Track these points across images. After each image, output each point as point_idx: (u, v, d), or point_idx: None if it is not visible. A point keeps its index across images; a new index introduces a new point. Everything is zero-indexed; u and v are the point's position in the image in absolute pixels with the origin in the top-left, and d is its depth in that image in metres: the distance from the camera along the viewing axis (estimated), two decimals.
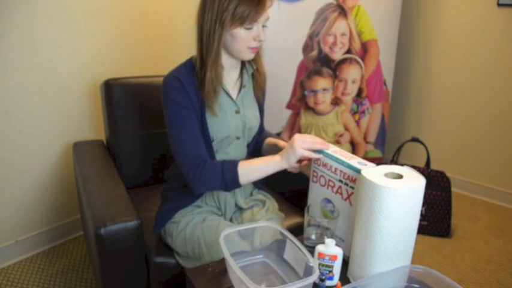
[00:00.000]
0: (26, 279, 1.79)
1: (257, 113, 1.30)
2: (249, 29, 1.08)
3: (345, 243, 1.08)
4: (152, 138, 1.71)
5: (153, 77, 1.74)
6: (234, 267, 0.88)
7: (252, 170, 1.12)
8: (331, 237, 1.04)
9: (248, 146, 1.32)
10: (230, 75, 1.23)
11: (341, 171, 1.06)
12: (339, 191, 1.09)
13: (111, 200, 1.28)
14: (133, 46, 2.12)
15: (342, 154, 1.09)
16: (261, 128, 1.41)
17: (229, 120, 1.20)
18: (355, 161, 1.05)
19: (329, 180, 1.11)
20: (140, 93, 1.68)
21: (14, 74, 1.73)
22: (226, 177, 1.11)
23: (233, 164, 1.12)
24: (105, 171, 1.49)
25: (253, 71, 1.25)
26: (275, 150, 1.26)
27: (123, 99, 1.65)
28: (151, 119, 1.69)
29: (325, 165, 1.11)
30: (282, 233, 1.03)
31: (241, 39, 1.10)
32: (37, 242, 1.97)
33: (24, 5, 1.69)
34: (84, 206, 1.37)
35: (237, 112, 1.22)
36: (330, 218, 1.12)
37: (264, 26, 1.12)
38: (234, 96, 1.22)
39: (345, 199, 1.07)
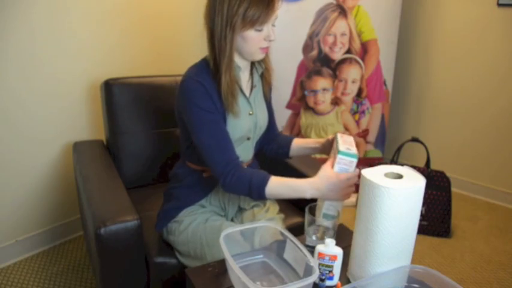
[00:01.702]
0: (26, 279, 1.79)
1: (266, 113, 1.31)
2: (259, 30, 1.09)
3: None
4: (152, 138, 1.71)
5: (153, 77, 1.74)
6: (234, 267, 0.88)
7: (280, 193, 1.11)
8: (332, 237, 1.05)
9: (256, 144, 1.33)
10: (244, 76, 1.23)
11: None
12: None
13: (111, 200, 1.28)
14: (133, 46, 2.12)
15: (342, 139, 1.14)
16: (274, 128, 1.41)
17: (244, 122, 1.21)
18: (344, 146, 1.09)
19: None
20: (140, 93, 1.68)
21: (14, 75, 1.73)
22: (253, 192, 1.10)
23: (262, 180, 1.10)
24: (105, 171, 1.49)
25: (263, 70, 1.26)
26: (307, 150, 1.30)
27: (123, 99, 1.65)
28: (152, 119, 1.69)
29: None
30: (282, 233, 1.04)
31: (252, 40, 1.11)
32: (37, 242, 1.97)
33: (25, 6, 1.69)
34: (84, 206, 1.37)
35: (251, 114, 1.23)
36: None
37: (273, 26, 1.13)
38: (247, 95, 1.24)
39: None
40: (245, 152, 1.28)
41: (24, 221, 1.91)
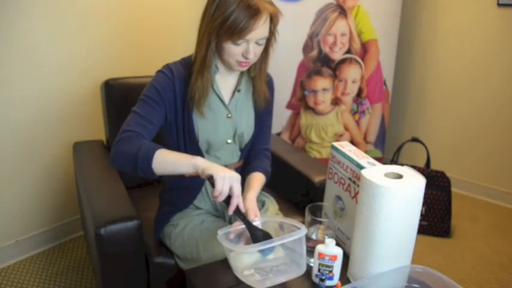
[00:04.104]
0: (26, 279, 1.79)
1: (251, 121, 1.27)
2: (237, 44, 1.07)
3: (350, 241, 1.09)
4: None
5: None
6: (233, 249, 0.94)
7: (166, 161, 1.03)
8: (332, 237, 1.05)
9: (242, 151, 1.29)
10: (226, 79, 1.21)
11: (351, 169, 1.07)
12: (348, 188, 1.10)
13: (111, 200, 1.28)
14: (133, 46, 2.12)
15: (355, 153, 1.11)
16: (260, 142, 1.32)
17: (218, 124, 1.19)
18: (365, 160, 1.06)
19: (341, 177, 1.13)
20: (140, 94, 1.68)
21: (14, 75, 1.73)
22: (140, 155, 1.02)
23: (154, 147, 1.04)
24: (105, 171, 1.49)
25: (252, 77, 1.22)
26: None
27: (123, 99, 1.65)
28: None
29: (338, 162, 1.13)
30: (280, 226, 1.04)
31: (229, 52, 1.09)
32: (37, 242, 1.97)
33: (25, 7, 1.70)
34: (84, 206, 1.37)
35: (229, 117, 1.21)
36: (339, 215, 1.13)
37: (259, 44, 1.10)
38: (226, 100, 1.21)
39: (352, 197, 1.08)
40: (228, 157, 1.26)
41: (24, 221, 1.91)
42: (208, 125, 1.19)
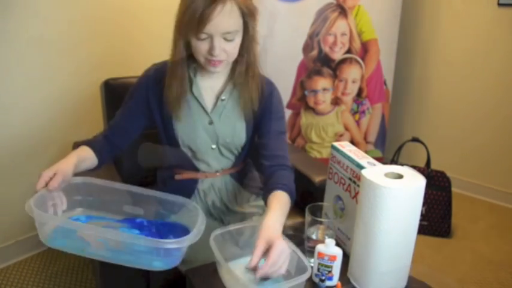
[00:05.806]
0: (26, 279, 1.79)
1: (240, 130, 1.18)
2: (201, 39, 1.01)
3: (351, 241, 1.09)
4: (152, 138, 1.70)
5: None
6: (223, 265, 0.90)
7: None
8: (332, 237, 1.05)
9: (236, 157, 1.24)
10: (207, 83, 1.16)
11: (351, 169, 1.07)
12: (348, 188, 1.10)
13: None
14: (134, 46, 2.12)
15: (355, 153, 1.10)
16: (267, 148, 1.18)
17: (197, 130, 1.15)
18: (365, 160, 1.06)
19: (341, 177, 1.13)
20: None
21: (14, 75, 1.73)
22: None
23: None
24: (105, 171, 1.48)
25: (242, 81, 1.14)
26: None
27: (123, 99, 1.64)
28: None
29: (338, 162, 1.13)
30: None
31: (195, 49, 1.04)
32: (37, 242, 1.95)
33: (25, 7, 1.69)
34: None
35: (210, 123, 1.16)
36: (339, 215, 1.13)
37: (227, 40, 1.02)
38: (209, 106, 1.16)
39: (353, 197, 1.08)
40: (217, 162, 1.23)
41: (24, 221, 1.91)
42: (187, 129, 1.15)
